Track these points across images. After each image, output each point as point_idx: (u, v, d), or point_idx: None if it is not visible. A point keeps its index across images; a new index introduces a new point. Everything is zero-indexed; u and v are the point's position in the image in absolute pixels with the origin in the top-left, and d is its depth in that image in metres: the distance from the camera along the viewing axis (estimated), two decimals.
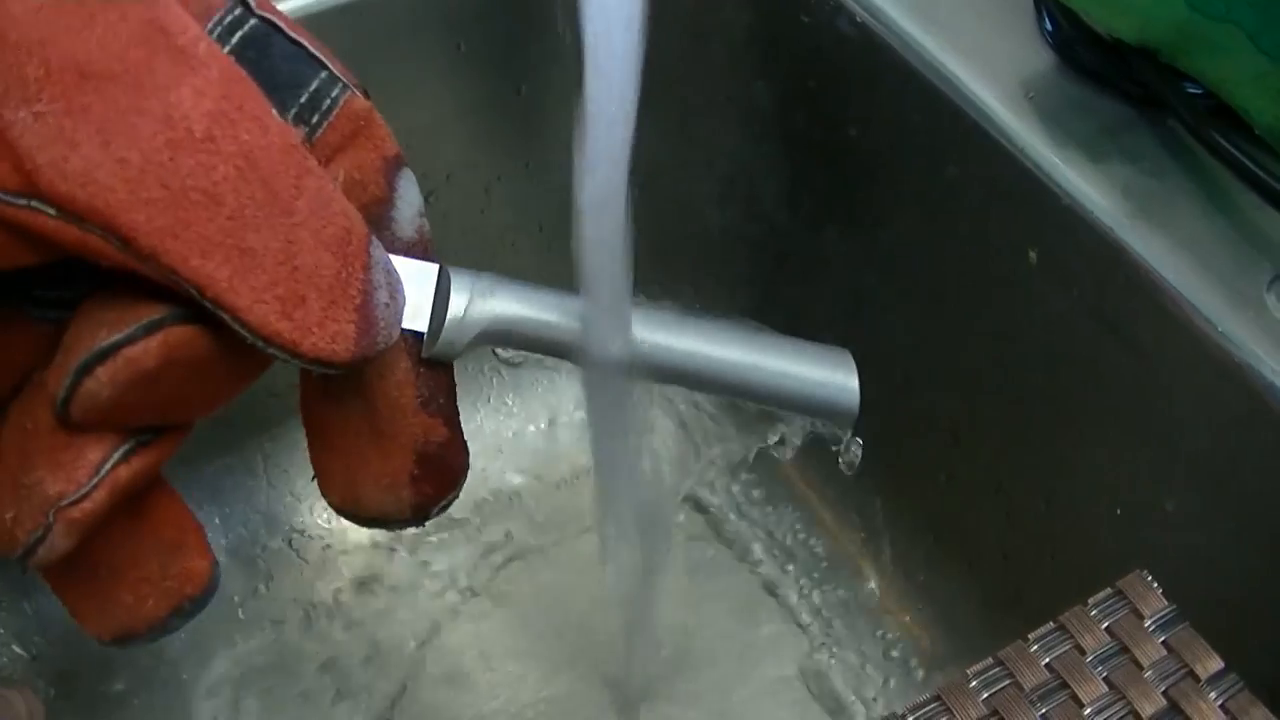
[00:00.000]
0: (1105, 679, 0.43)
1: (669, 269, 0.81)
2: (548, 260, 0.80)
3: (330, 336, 0.36)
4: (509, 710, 0.74)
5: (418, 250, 0.43)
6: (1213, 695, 0.43)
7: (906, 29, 0.63)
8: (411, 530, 0.46)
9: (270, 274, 0.36)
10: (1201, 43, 0.56)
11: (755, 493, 0.82)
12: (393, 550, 0.79)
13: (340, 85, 0.41)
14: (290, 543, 0.79)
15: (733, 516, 0.81)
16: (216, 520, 0.78)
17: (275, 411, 0.77)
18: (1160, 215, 0.56)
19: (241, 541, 0.78)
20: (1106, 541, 0.62)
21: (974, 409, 0.68)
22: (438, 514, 0.44)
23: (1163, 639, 0.44)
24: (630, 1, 0.42)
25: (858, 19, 0.65)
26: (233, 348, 0.37)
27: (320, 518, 0.79)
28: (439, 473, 0.43)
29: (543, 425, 0.84)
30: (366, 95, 0.42)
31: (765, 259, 0.78)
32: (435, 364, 0.43)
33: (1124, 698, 0.43)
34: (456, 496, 0.45)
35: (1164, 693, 0.43)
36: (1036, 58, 0.62)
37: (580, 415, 0.83)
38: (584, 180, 0.45)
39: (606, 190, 0.46)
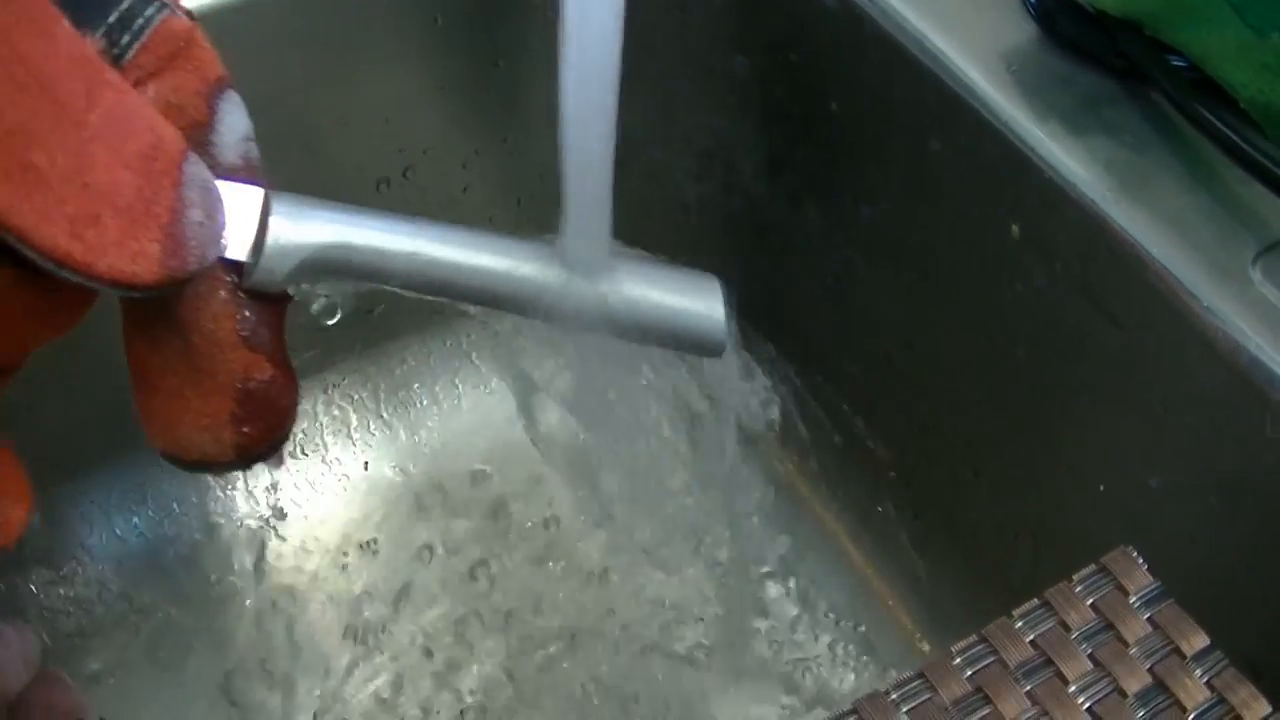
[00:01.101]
0: (1090, 655, 0.43)
1: (646, 242, 0.80)
2: (525, 234, 0.79)
3: (130, 257, 0.35)
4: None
5: (243, 177, 0.41)
6: (1198, 672, 0.43)
7: (888, 1, 0.63)
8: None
9: (57, 192, 0.34)
10: (1185, 15, 0.56)
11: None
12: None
13: (156, 5, 0.39)
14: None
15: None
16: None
17: None
18: (1144, 189, 0.55)
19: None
20: (1091, 518, 0.62)
21: (957, 384, 0.67)
22: (266, 457, 0.42)
23: (1148, 615, 0.44)
24: None
25: None
26: (36, 278, 0.35)
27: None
28: (262, 412, 0.41)
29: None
30: (191, 17, 0.41)
31: (744, 233, 0.77)
32: (260, 296, 0.41)
33: (1109, 674, 0.42)
34: (285, 439, 0.42)
35: (1149, 669, 0.43)
36: (1019, 30, 0.62)
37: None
38: (569, 157, 0.45)
39: (592, 165, 0.46)
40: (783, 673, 0.74)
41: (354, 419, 0.81)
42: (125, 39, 0.38)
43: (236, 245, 0.39)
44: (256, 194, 0.40)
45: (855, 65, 0.65)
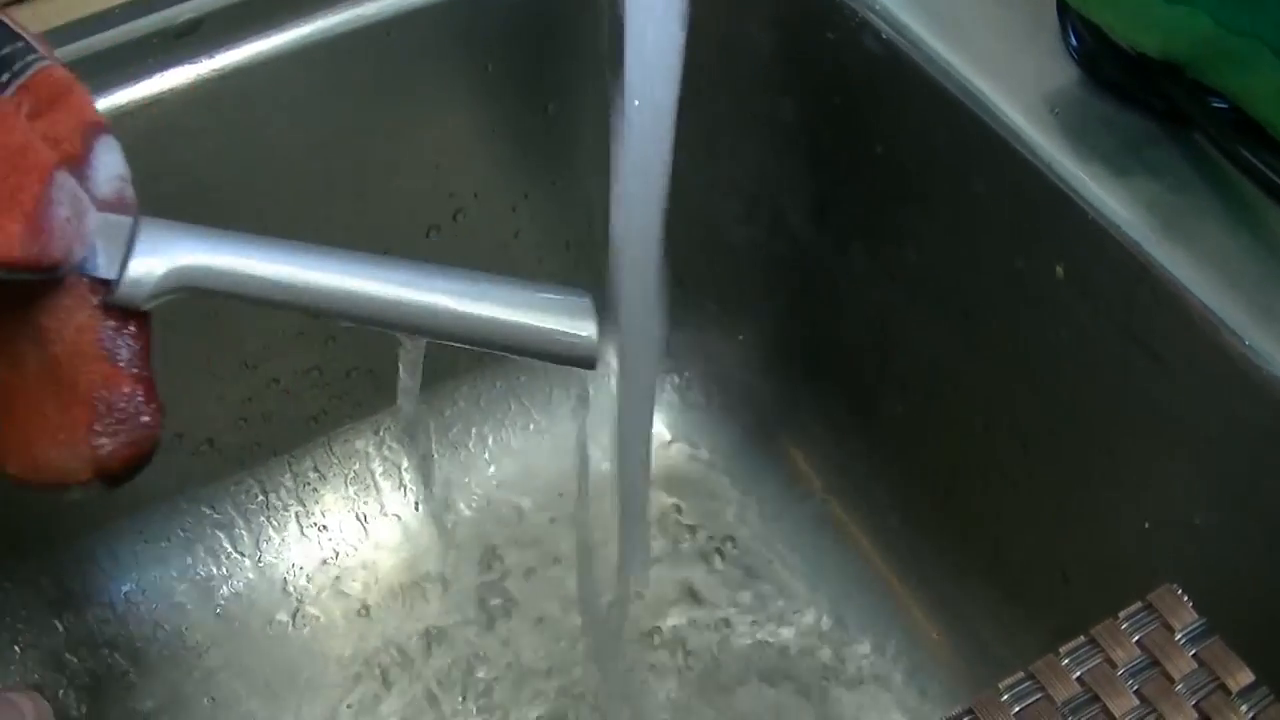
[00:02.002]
0: (1136, 692, 0.43)
1: (694, 285, 0.81)
2: (574, 277, 0.80)
3: None
4: None
5: (113, 210, 0.43)
6: (1244, 708, 0.43)
7: (932, 45, 0.63)
8: None
9: None
10: (1226, 57, 0.56)
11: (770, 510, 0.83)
12: None
13: (36, 55, 0.42)
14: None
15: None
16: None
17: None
18: (1186, 230, 0.56)
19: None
20: (1136, 555, 0.62)
21: (1002, 423, 0.68)
22: (124, 479, 0.43)
23: (1193, 652, 0.44)
24: (672, 25, 0.43)
25: (883, 36, 0.65)
26: None
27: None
28: (121, 427, 0.42)
29: None
30: (69, 70, 0.43)
31: (791, 275, 0.78)
32: (126, 315, 0.42)
33: (1156, 711, 0.43)
34: (145, 462, 0.43)
35: (1195, 705, 0.43)
36: (1061, 73, 0.62)
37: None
38: (620, 206, 0.46)
39: (643, 215, 0.46)
40: (820, 711, 0.75)
41: (404, 460, 0.82)
42: (5, 77, 0.41)
43: (104, 263, 0.42)
44: (125, 222, 0.43)
45: (899, 109, 0.66)
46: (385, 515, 0.81)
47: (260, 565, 0.79)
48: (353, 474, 0.81)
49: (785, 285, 0.79)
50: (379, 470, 0.81)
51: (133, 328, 0.43)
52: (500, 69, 0.70)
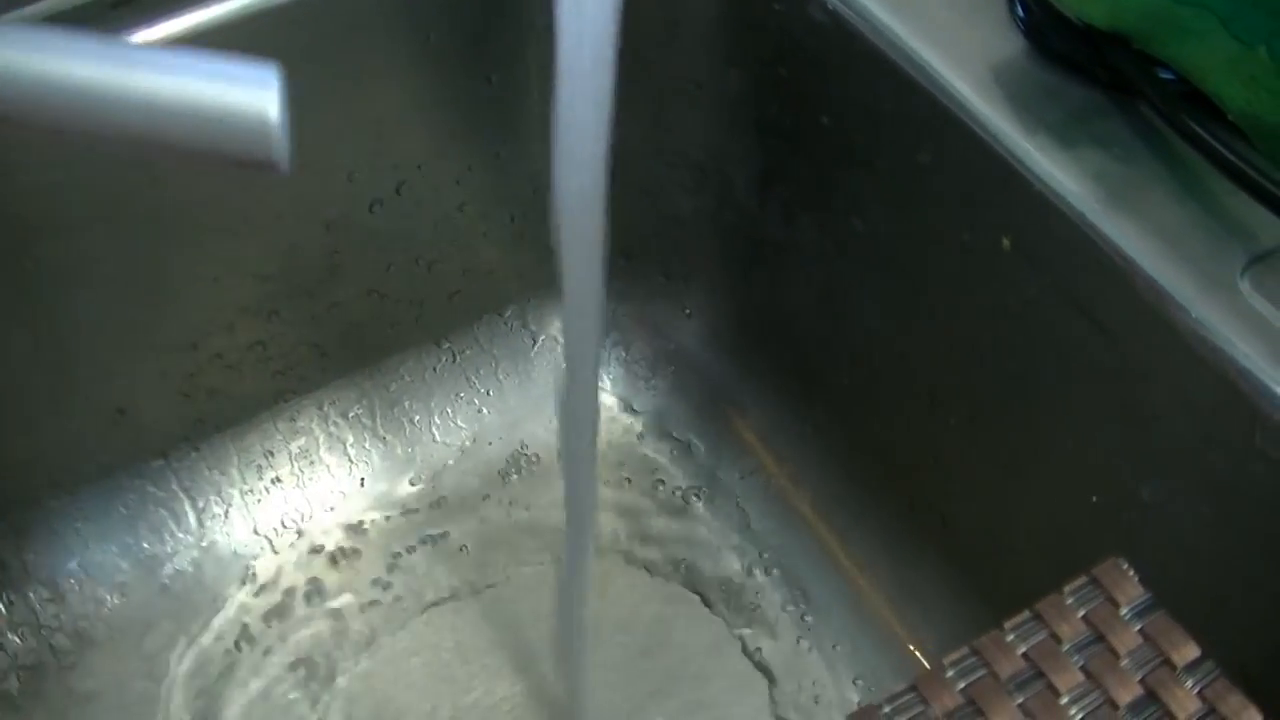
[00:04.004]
0: (1082, 668, 0.43)
1: (640, 256, 0.81)
2: (519, 250, 0.80)
3: None
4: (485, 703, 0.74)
5: None
6: (1190, 683, 0.43)
7: (878, 16, 0.63)
8: None
9: None
10: (1173, 28, 0.56)
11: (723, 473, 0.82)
12: None
13: None
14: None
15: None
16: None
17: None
18: (1133, 201, 0.56)
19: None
20: (1083, 529, 0.62)
21: (948, 395, 0.68)
22: None
23: (1139, 627, 0.44)
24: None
25: (829, 6, 0.64)
26: None
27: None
28: None
29: None
30: None
31: (738, 247, 0.78)
32: None
33: (1101, 686, 0.43)
34: None
35: (1141, 680, 0.43)
36: (1008, 44, 0.62)
37: None
38: (561, 174, 0.45)
39: (584, 182, 0.46)
40: (770, 683, 0.75)
41: (350, 436, 0.81)
42: None
43: None
44: None
45: (846, 79, 0.66)
46: (332, 492, 0.81)
47: (204, 544, 0.78)
48: (298, 449, 0.80)
49: (732, 257, 0.79)
50: (324, 446, 0.81)
51: None
52: (441, 39, 0.70)
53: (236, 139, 0.36)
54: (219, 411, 0.77)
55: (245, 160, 0.36)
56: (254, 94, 0.36)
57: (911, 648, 0.74)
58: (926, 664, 0.73)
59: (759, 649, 0.75)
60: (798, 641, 0.76)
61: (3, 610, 0.75)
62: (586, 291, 0.50)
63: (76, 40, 0.36)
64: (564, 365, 0.53)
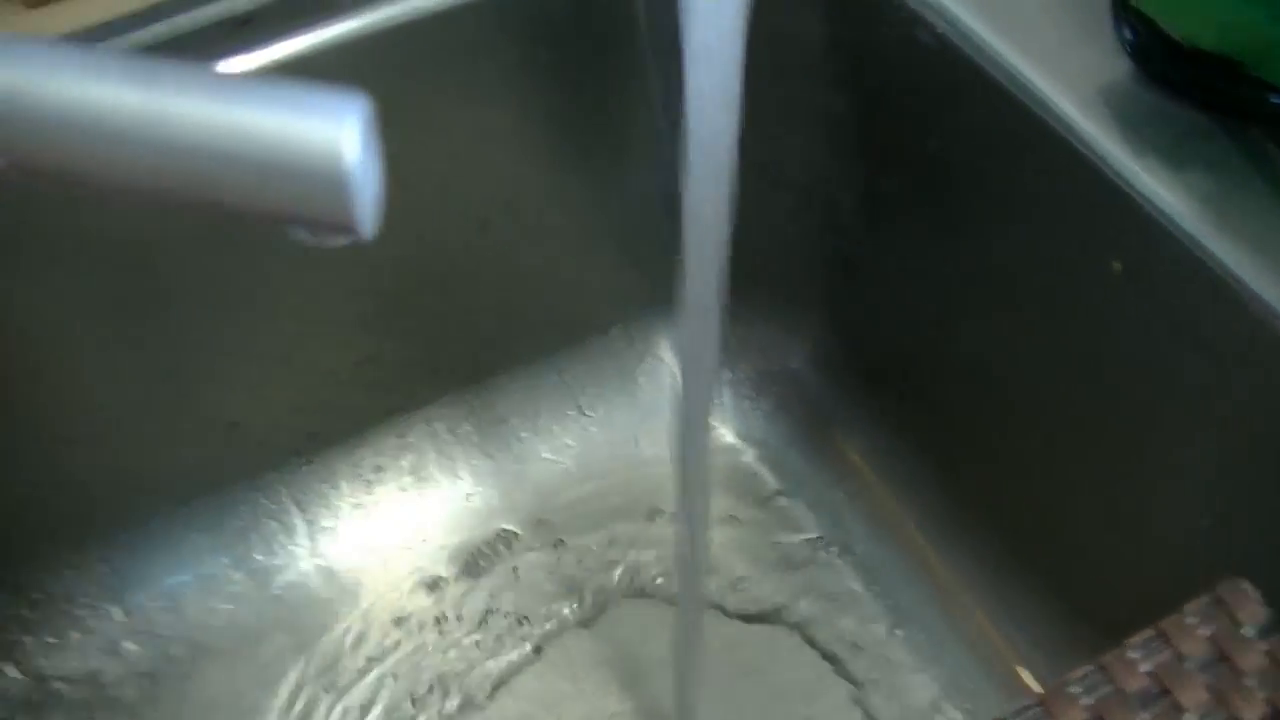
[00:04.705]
0: (1207, 686, 0.44)
1: (744, 277, 0.82)
2: (625, 269, 0.81)
3: None
4: None
5: None
6: None
7: (985, 38, 0.63)
8: None
9: None
10: None
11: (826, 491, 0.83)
12: None
13: None
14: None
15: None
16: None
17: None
18: (1243, 224, 0.56)
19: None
20: (1192, 550, 0.62)
21: (1053, 415, 0.68)
22: None
23: (1264, 647, 0.45)
24: (733, 13, 0.44)
25: (936, 29, 0.65)
26: None
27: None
28: None
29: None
30: None
31: (842, 268, 0.78)
32: None
33: (1227, 705, 0.43)
34: None
35: (1267, 699, 0.43)
36: (1114, 67, 0.62)
37: None
38: (689, 190, 0.46)
39: (710, 201, 0.47)
40: (871, 703, 0.75)
41: (458, 453, 0.82)
42: None
43: None
44: None
45: (952, 102, 0.66)
46: (440, 507, 0.82)
47: (316, 556, 0.80)
48: (407, 465, 0.81)
49: (836, 278, 0.79)
50: (433, 462, 0.82)
51: None
52: (553, 60, 0.71)
53: (301, 191, 0.28)
54: (330, 426, 0.79)
55: (315, 220, 0.29)
56: (325, 129, 0.28)
57: (1017, 669, 0.74)
58: (1032, 684, 0.73)
59: (860, 671, 0.76)
60: (899, 663, 0.76)
61: (122, 618, 0.77)
62: (707, 312, 0.51)
63: (92, 58, 0.29)
64: (681, 383, 0.54)
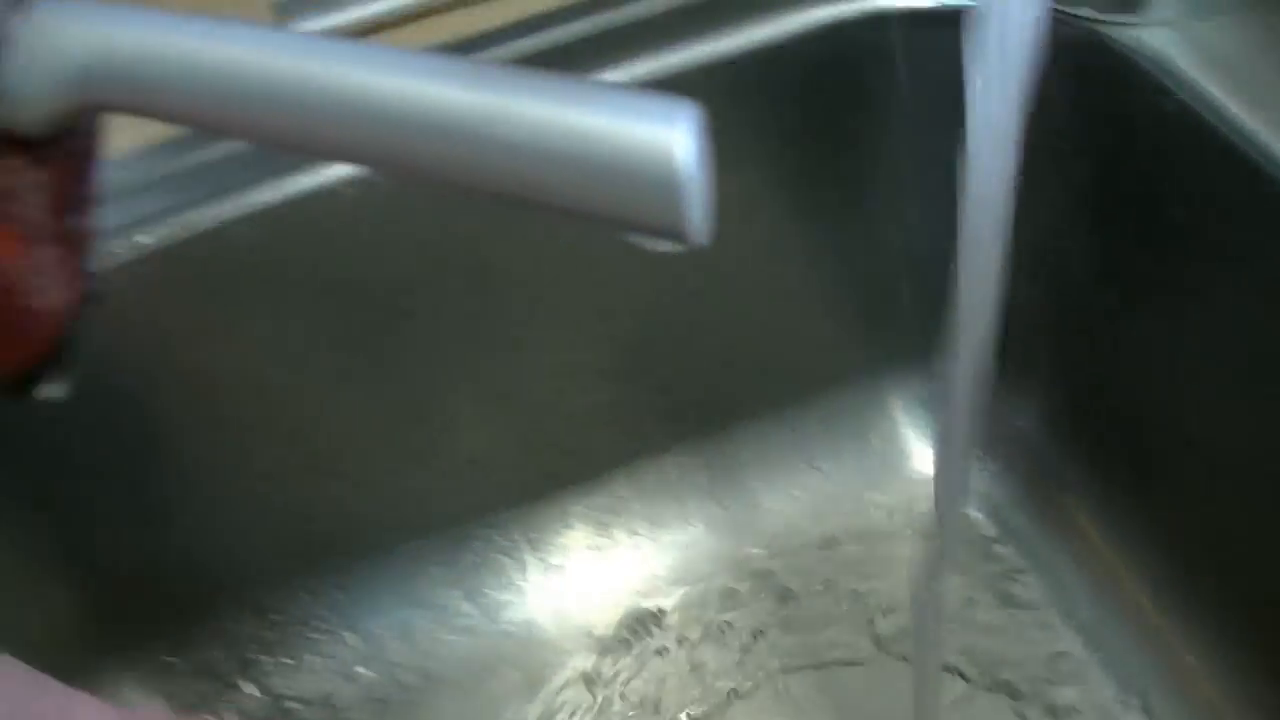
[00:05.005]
0: None
1: None
2: (864, 327, 0.82)
3: None
4: None
5: None
6: None
7: (1229, 108, 0.63)
8: None
9: None
10: None
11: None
12: None
13: None
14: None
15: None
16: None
17: None
18: None
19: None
20: None
21: None
22: (32, 386, 0.31)
23: None
24: (1015, 83, 0.45)
25: (1181, 99, 0.65)
26: None
27: None
28: (1, 315, 0.30)
29: None
30: None
31: (1074, 334, 0.79)
32: (30, 146, 0.29)
33: None
34: (57, 366, 0.31)
35: None
36: None
37: None
38: (965, 254, 0.48)
39: (986, 268, 0.48)
40: None
41: (692, 499, 0.84)
42: None
43: None
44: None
45: (1195, 172, 0.66)
46: (672, 552, 0.84)
47: (548, 594, 0.82)
48: (641, 509, 0.83)
49: (1069, 342, 0.80)
50: (666, 507, 0.84)
51: (34, 162, 0.29)
52: (801, 121, 0.73)
53: (631, 194, 0.29)
54: (567, 468, 0.81)
55: (645, 224, 0.29)
56: (657, 132, 0.28)
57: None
58: None
59: None
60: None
61: (356, 644, 0.80)
62: (971, 376, 0.52)
63: (433, 63, 0.30)
64: (940, 438, 0.55)
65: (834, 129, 0.75)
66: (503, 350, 0.75)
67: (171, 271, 0.66)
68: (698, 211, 0.29)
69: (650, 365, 0.79)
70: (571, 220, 0.29)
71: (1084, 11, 0.67)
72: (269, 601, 0.80)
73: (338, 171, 0.66)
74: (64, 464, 0.71)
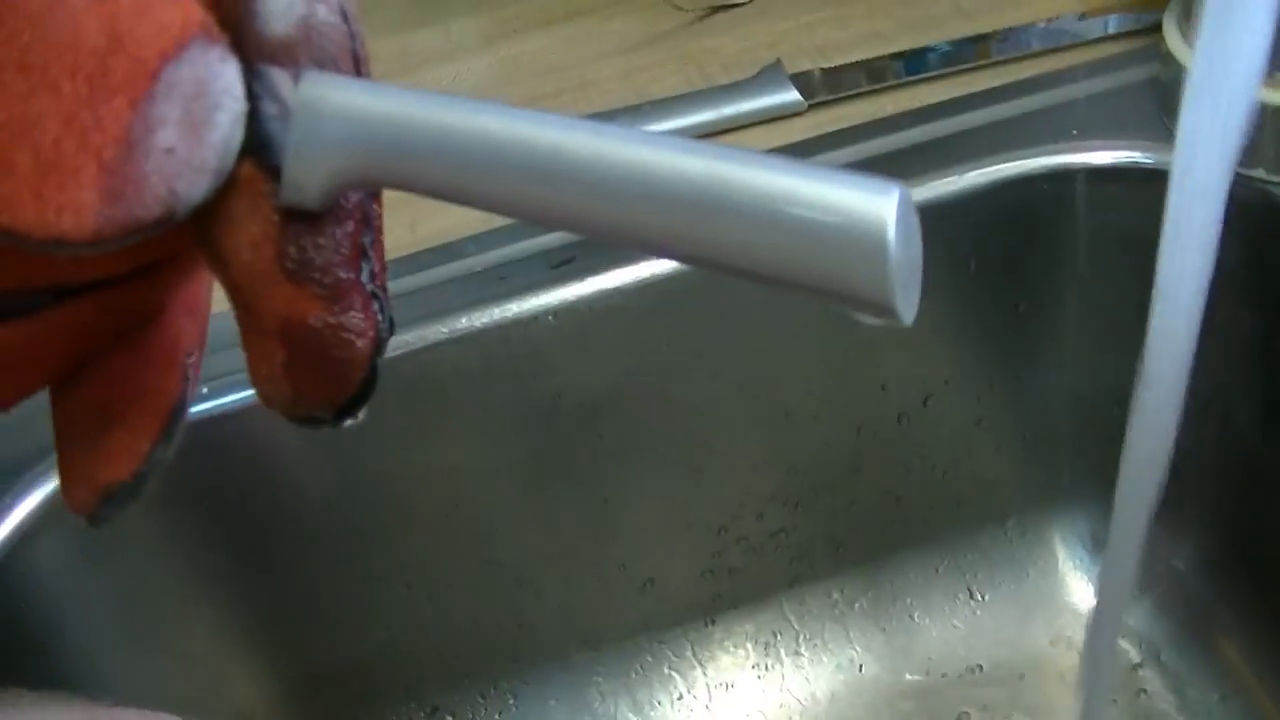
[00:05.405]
0: None
1: None
2: (1026, 466, 0.85)
3: (55, 210, 0.27)
4: None
5: (302, 51, 0.31)
6: None
7: None
8: None
9: None
10: None
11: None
12: None
13: None
14: None
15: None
16: None
17: None
18: None
19: None
20: None
21: None
22: (339, 416, 0.34)
23: None
24: (1205, 238, 0.48)
25: None
26: None
27: None
28: (315, 362, 0.32)
29: None
30: None
31: (1234, 475, 0.80)
32: (313, 216, 0.31)
33: None
34: (355, 395, 0.33)
35: None
36: None
37: None
38: (1143, 398, 0.50)
39: (1162, 413, 0.51)
40: None
41: (854, 624, 0.87)
42: None
43: (275, 143, 0.30)
44: (285, 73, 0.30)
45: None
46: (833, 675, 0.86)
47: (713, 712, 0.84)
48: (805, 632, 0.86)
49: (1228, 484, 0.81)
50: (829, 631, 0.87)
51: (334, 231, 0.32)
52: (981, 266, 0.76)
53: (837, 266, 0.29)
54: (736, 590, 0.84)
55: (849, 296, 0.29)
56: (867, 202, 0.28)
57: None
58: None
59: None
60: None
61: None
62: (1140, 512, 0.55)
63: (649, 140, 0.30)
64: (1102, 575, 0.58)
65: (1014, 275, 0.78)
66: (684, 475, 0.79)
67: (382, 384, 0.70)
68: (903, 286, 0.29)
69: (821, 494, 0.82)
70: (785, 291, 0.30)
71: (1257, 173, 0.69)
72: (443, 701, 0.83)
73: (539, 301, 0.71)
74: (258, 559, 0.75)
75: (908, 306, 0.29)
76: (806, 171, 0.29)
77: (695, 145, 0.30)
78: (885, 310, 0.28)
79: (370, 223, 0.33)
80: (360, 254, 0.32)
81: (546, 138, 0.30)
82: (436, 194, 0.31)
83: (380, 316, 0.33)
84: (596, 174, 0.29)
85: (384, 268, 0.33)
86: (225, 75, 0.29)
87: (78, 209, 0.27)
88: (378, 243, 0.33)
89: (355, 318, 0.32)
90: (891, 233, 0.27)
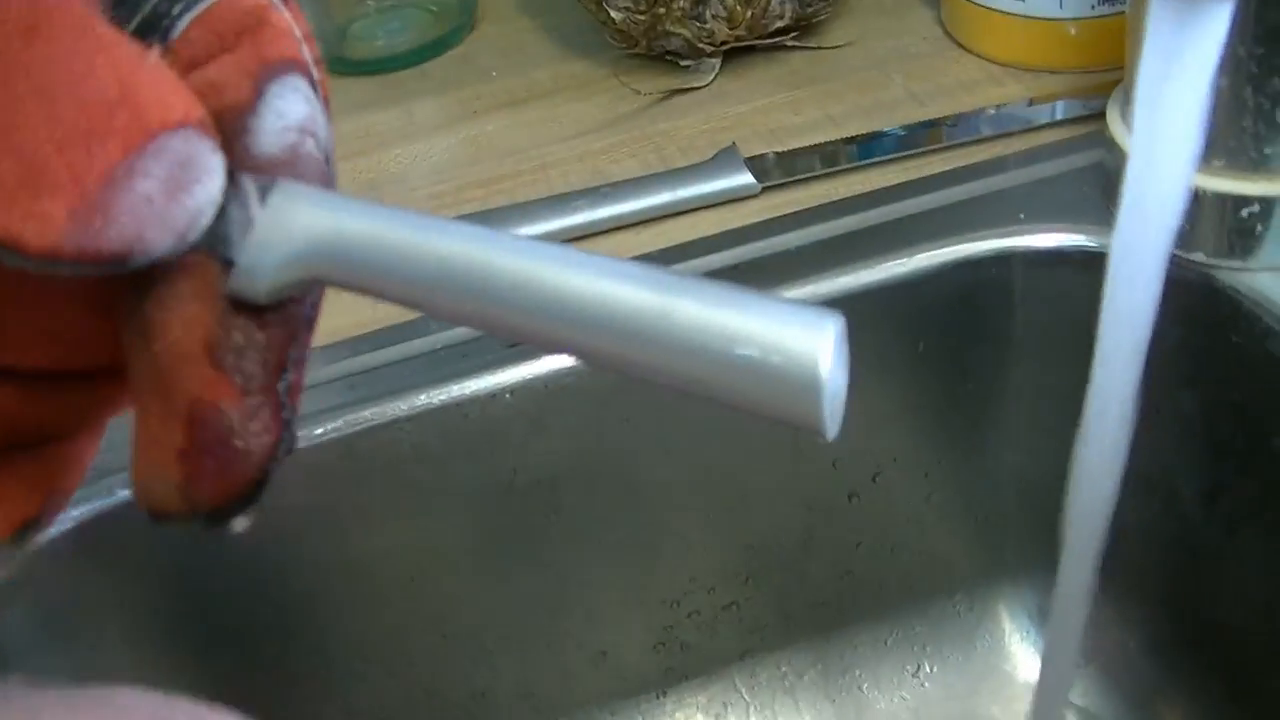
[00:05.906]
0: None
1: None
2: (974, 541, 0.86)
3: (22, 215, 0.28)
4: None
5: (283, 171, 0.33)
6: None
7: None
8: None
9: None
10: None
11: None
12: None
13: None
14: None
15: None
16: None
17: None
18: None
19: None
20: None
21: None
22: (222, 517, 0.34)
23: None
24: (1141, 320, 0.50)
25: None
26: None
27: None
28: (211, 449, 0.32)
29: None
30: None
31: (1178, 555, 0.81)
32: (255, 309, 0.33)
33: None
34: (252, 502, 0.34)
35: None
36: None
37: None
38: (1080, 476, 0.52)
39: (1099, 491, 0.52)
40: None
41: (803, 697, 0.88)
42: (176, 8, 0.33)
43: (234, 242, 0.32)
44: (255, 182, 0.33)
45: None
46: None
47: None
48: (755, 704, 0.87)
49: (1171, 563, 0.83)
50: (778, 703, 0.88)
51: (272, 328, 0.33)
52: (929, 348, 0.77)
53: (769, 392, 0.30)
54: (687, 663, 0.85)
55: (783, 420, 0.30)
56: (802, 337, 0.30)
57: None
58: None
59: None
60: None
61: None
62: (1081, 587, 0.56)
63: (614, 266, 0.32)
64: (1046, 649, 0.59)
65: (961, 355, 0.79)
66: (638, 551, 0.80)
67: (341, 461, 0.71)
68: (832, 413, 0.30)
69: (772, 569, 0.83)
70: (722, 407, 0.31)
71: (1196, 256, 0.71)
72: None
73: (498, 379, 0.72)
74: (214, 636, 0.76)
75: (834, 425, 0.31)
76: (749, 304, 0.30)
77: (645, 274, 0.31)
78: (814, 431, 0.30)
79: (300, 340, 0.34)
80: (283, 365, 0.33)
81: (491, 260, 0.32)
82: (389, 301, 0.33)
83: (285, 432, 0.34)
84: (540, 298, 0.31)
85: (300, 389, 0.35)
86: (213, 161, 0.31)
87: (44, 219, 0.28)
88: (302, 361, 0.34)
89: (264, 416, 0.33)
90: (826, 372, 0.29)
